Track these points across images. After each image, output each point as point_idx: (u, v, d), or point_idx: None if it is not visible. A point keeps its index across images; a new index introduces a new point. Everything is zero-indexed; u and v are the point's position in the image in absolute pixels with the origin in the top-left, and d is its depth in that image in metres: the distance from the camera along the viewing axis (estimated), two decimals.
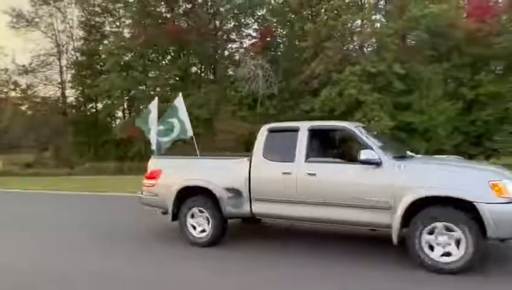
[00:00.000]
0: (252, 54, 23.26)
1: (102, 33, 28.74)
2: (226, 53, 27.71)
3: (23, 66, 26.99)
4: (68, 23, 28.71)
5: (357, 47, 20.91)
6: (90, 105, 30.34)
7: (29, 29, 27.40)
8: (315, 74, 19.23)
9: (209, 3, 26.10)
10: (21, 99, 28.67)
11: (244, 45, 26.54)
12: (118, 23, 28.07)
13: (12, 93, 28.54)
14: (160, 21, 25.45)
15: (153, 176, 5.77)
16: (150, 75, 25.75)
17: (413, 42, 20.61)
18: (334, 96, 18.32)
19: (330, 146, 5.49)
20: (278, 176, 4.85)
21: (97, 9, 28.09)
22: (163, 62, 26.87)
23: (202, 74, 28.26)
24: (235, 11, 26.11)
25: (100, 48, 27.71)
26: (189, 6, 25.91)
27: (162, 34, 24.00)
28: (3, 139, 29.11)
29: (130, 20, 26.33)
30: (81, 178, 19.65)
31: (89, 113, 29.95)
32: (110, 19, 28.39)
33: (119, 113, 29.93)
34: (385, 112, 17.32)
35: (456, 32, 17.73)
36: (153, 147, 6.36)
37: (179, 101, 6.77)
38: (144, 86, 25.29)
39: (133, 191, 11.38)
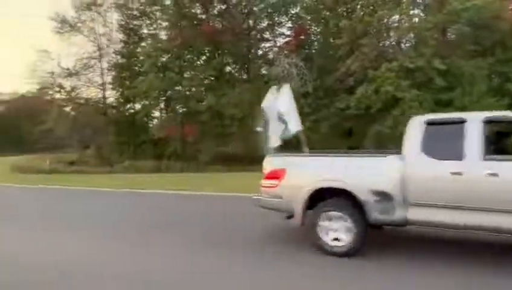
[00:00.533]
0: (285, 52, 23.22)
1: (140, 36, 29.68)
2: (260, 52, 27.83)
3: (68, 69, 28.37)
4: (108, 26, 29.87)
5: (393, 43, 20.37)
6: (129, 105, 31.40)
7: (73, 34, 28.76)
8: (350, 71, 18.93)
9: (243, 3, 26.29)
10: (65, 101, 30.12)
11: (278, 44, 26.55)
12: (154, 26, 28.89)
13: (58, 95, 30.05)
14: (195, 22, 25.95)
15: (275, 175, 5.11)
16: (186, 75, 26.30)
17: (453, 36, 19.79)
18: (370, 94, 17.94)
19: (508, 140, 4.85)
20: (445, 176, 4.13)
21: (135, 12, 29.04)
22: (198, 62, 27.36)
23: (236, 74, 28.52)
24: (269, 10, 26.14)
25: (138, 50, 28.64)
26: (223, 7, 26.23)
27: (197, 35, 24.46)
28: (49, 139, 30.80)
29: (167, 23, 27.04)
30: (133, 175, 20.27)
31: (127, 114, 31.00)
32: (148, 22, 29.26)
33: (156, 114, 30.83)
34: (425, 109, 16.75)
35: (501, 25, 16.85)
36: (274, 144, 5.71)
37: (286, 93, 6.04)
38: (180, 87, 25.87)
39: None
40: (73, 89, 29.35)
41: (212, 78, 26.29)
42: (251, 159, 20.44)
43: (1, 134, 70.19)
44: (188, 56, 27.11)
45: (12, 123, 73.51)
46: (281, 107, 5.84)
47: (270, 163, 5.35)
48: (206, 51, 27.40)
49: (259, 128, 5.94)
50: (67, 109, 31.21)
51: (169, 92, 26.41)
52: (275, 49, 26.32)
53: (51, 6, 38.91)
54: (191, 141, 24.58)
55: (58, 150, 32.38)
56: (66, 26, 28.27)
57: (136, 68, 29.58)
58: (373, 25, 19.16)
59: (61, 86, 28.98)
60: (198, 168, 21.72)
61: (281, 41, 26.44)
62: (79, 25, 28.74)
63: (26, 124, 64.14)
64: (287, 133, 5.89)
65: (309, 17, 25.02)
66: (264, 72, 26.67)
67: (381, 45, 19.69)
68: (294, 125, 5.92)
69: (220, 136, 23.64)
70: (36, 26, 47.51)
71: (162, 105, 30.01)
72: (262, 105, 6.01)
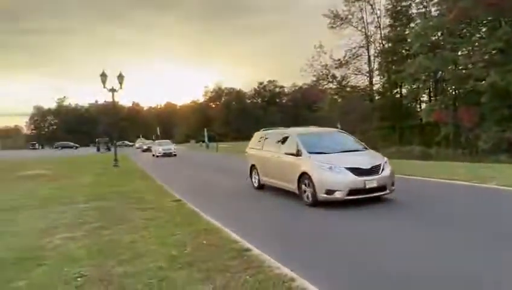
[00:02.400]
0: None
1: (409, 16, 28.59)
2: None
3: (339, 60, 30.78)
4: (376, 13, 30.37)
5: None
6: (395, 90, 31.05)
7: (343, 27, 30.88)
8: None
9: None
10: (336, 90, 32.87)
11: None
12: (424, 3, 27.10)
13: (330, 85, 33.13)
14: None
15: None
16: (461, 52, 23.42)
17: None
18: None
19: None
20: None
21: None
22: (478, 36, 23.74)
23: None
24: None
25: (406, 32, 27.70)
26: None
27: (476, 4, 21.19)
28: (323, 124, 34.56)
29: None
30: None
31: (393, 99, 30.74)
32: (417, 0, 27.77)
33: (425, 97, 29.12)
34: None
35: None
36: None
37: None
38: (453, 66, 23.30)
39: None
40: (343, 78, 31.65)
41: (495, 52, 22.22)
42: None
43: (284, 122, 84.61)
44: (464, 30, 23.99)
45: (292, 112, 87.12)
46: None
47: None
48: (487, 21, 23.39)
49: None
50: (336, 97, 33.95)
51: (440, 72, 24.29)
52: None
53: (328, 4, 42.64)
54: (466, 126, 21.83)
55: None
56: (337, 20, 30.63)
57: (404, 51, 28.79)
58: None
59: (333, 77, 31.78)
60: (475, 157, 19.10)
61: None
62: (349, 17, 30.55)
63: (304, 112, 74.73)
64: None
65: None
66: None
67: None
68: None
69: (506, 119, 19.84)
70: (313, 23, 54.01)
71: (431, 88, 28.02)
72: None
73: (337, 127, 11.07)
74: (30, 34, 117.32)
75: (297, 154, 7.18)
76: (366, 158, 7.03)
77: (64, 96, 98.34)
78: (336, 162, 6.65)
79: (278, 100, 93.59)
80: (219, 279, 3.38)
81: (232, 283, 3.30)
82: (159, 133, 50.89)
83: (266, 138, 8.91)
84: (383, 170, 6.75)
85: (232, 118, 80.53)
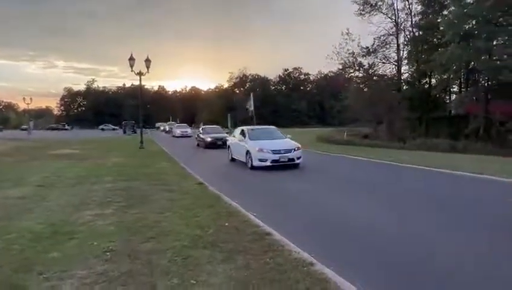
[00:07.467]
0: None
1: (442, 3, 27.45)
2: None
3: (366, 47, 30.00)
4: (407, 0, 29.26)
5: None
6: (424, 80, 30.12)
7: (372, 14, 29.94)
8: None
9: None
10: (362, 79, 32.14)
11: None
12: None
13: (356, 73, 32.41)
14: None
15: None
16: (496, 42, 22.39)
17: None
18: None
19: None
20: None
21: None
22: None
23: None
24: None
25: (439, 20, 26.67)
26: None
27: None
28: (347, 113, 34.06)
29: None
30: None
31: (422, 89, 29.86)
32: None
33: (455, 88, 28.14)
34: None
35: None
36: None
37: None
38: (487, 56, 22.36)
39: None
40: (370, 66, 30.89)
41: None
42: None
43: (309, 111, 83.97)
44: (501, 19, 22.85)
45: (317, 100, 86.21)
46: None
47: None
48: None
49: None
50: (362, 85, 33.21)
51: (473, 63, 23.37)
52: None
53: None
54: (498, 119, 21.04)
55: (353, 124, 35.26)
56: (367, 6, 29.75)
57: (435, 40, 27.79)
58: None
59: (360, 65, 31.06)
60: (507, 151, 18.38)
61: None
62: (379, 3, 29.60)
63: (329, 100, 73.81)
64: None
65: None
66: None
67: None
68: None
69: None
70: (338, 10, 52.73)
71: (463, 78, 27.04)
72: None
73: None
74: (58, 17, 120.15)
75: None
76: None
77: (93, 79, 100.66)
78: None
79: (302, 88, 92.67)
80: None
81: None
82: (251, 107, 30.59)
83: None
84: None
85: (255, 104, 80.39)
